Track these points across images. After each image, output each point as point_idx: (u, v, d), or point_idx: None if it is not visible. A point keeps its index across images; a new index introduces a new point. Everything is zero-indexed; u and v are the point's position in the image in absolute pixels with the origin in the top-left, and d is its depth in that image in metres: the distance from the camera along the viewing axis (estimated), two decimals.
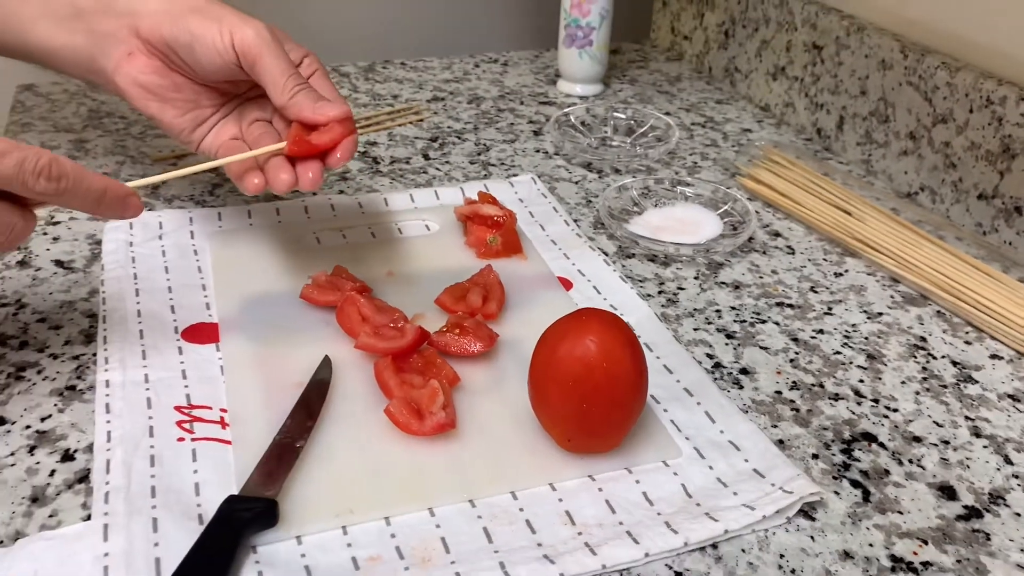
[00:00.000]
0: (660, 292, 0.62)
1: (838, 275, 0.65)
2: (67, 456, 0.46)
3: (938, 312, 0.62)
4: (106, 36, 0.56)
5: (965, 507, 0.46)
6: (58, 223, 0.66)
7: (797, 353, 0.57)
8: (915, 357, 0.57)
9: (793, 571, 0.42)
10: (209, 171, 0.75)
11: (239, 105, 0.60)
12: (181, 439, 0.47)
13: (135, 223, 0.65)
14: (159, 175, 0.52)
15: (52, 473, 0.45)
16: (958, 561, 0.43)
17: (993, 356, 0.57)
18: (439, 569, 0.40)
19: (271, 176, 0.53)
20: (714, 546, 0.43)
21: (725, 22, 0.98)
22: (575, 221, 0.70)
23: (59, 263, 0.62)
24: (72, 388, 0.51)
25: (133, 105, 0.58)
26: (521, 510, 0.44)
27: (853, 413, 0.52)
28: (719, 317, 0.60)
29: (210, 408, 0.49)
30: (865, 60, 0.79)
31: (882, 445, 0.50)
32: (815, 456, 0.49)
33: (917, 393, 0.54)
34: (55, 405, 0.49)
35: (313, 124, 0.53)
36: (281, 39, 0.56)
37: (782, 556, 0.43)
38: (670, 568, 0.42)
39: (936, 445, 0.50)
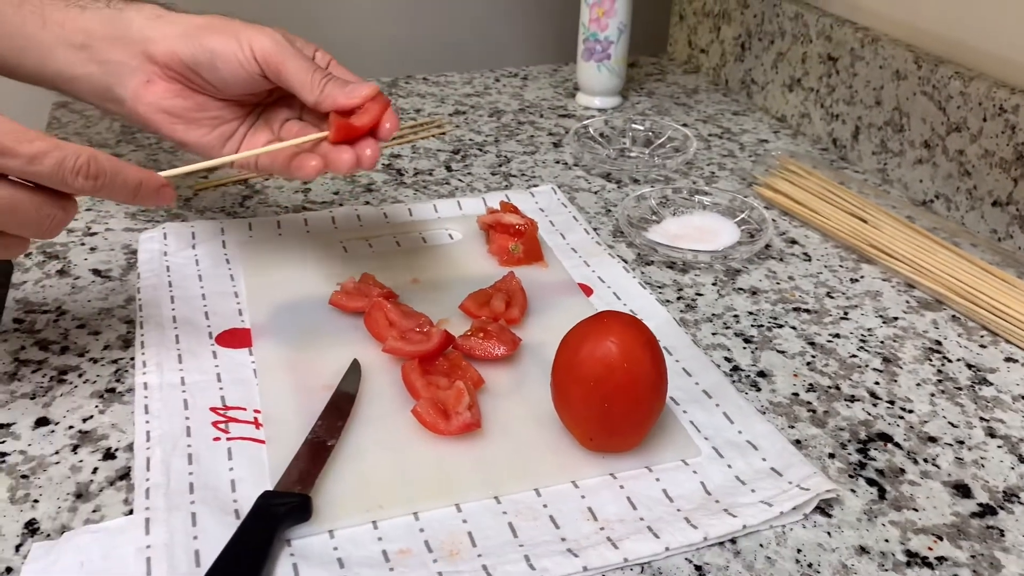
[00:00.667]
0: (679, 298, 0.64)
1: (854, 281, 0.66)
2: (108, 455, 0.48)
3: (953, 317, 0.63)
4: (119, 65, 0.56)
5: (980, 504, 0.47)
6: (95, 234, 0.69)
7: (814, 356, 0.58)
8: (930, 360, 0.58)
9: (810, 565, 0.43)
10: (240, 181, 0.77)
11: (263, 112, 0.61)
12: (217, 439, 0.49)
13: (169, 233, 0.67)
14: (192, 164, 0.54)
15: (95, 471, 0.47)
16: (972, 556, 0.44)
17: (1008, 359, 0.58)
18: (466, 562, 0.42)
19: (332, 157, 0.54)
20: (733, 541, 0.44)
21: (741, 35, 1.00)
22: (595, 230, 0.72)
23: (96, 272, 0.64)
24: (112, 391, 0.53)
25: (159, 132, 0.58)
26: (545, 506, 0.45)
27: (869, 414, 0.53)
28: (737, 322, 0.61)
29: (244, 409, 0.51)
30: (880, 71, 0.80)
31: (897, 445, 0.51)
32: (831, 455, 0.50)
33: (932, 395, 0.55)
34: (96, 407, 0.51)
35: (350, 110, 0.55)
36: (291, 38, 0.57)
37: (799, 551, 0.44)
38: (690, 562, 0.43)
39: (951, 445, 0.51)
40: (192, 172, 0.55)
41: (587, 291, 0.64)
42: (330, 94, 0.54)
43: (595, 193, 0.79)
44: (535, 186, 0.78)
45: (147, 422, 0.49)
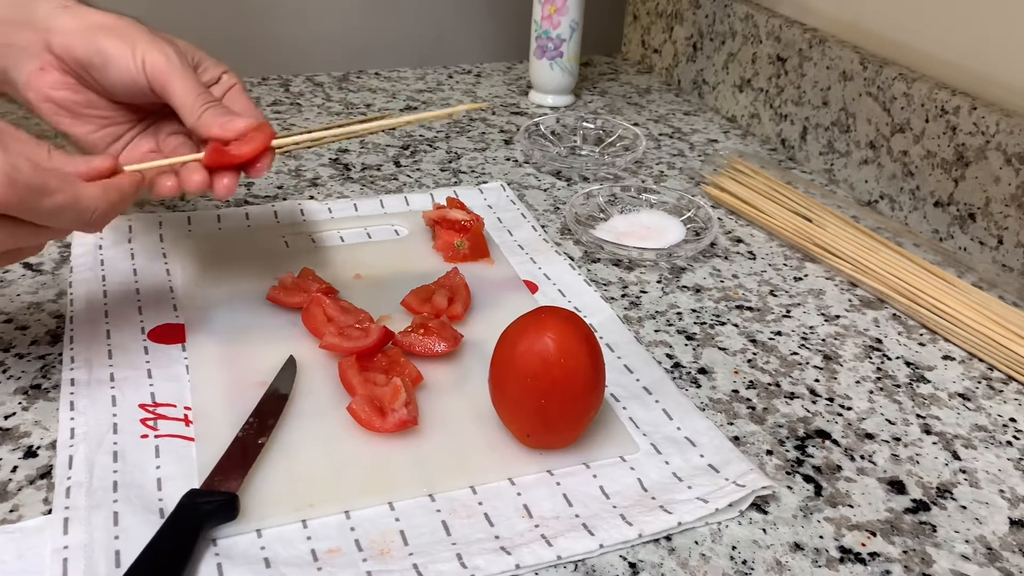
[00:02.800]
0: (623, 295, 0.63)
1: (797, 279, 0.67)
2: (30, 453, 0.46)
3: (894, 315, 0.63)
4: (20, 50, 0.54)
5: (913, 501, 0.47)
6: None
7: (755, 354, 0.58)
8: (870, 358, 0.58)
9: (744, 562, 0.43)
10: None
11: (155, 122, 0.59)
12: (144, 436, 0.47)
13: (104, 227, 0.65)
14: None
15: (14, 469, 0.45)
16: (904, 552, 0.44)
17: (946, 357, 0.59)
18: (397, 561, 0.41)
19: (184, 177, 0.52)
20: (668, 538, 0.44)
21: (693, 35, 1.00)
22: (543, 227, 0.71)
23: (27, 265, 0.62)
24: (37, 387, 0.51)
25: (45, 120, 0.56)
26: (480, 504, 0.45)
27: (808, 411, 0.53)
28: (680, 319, 0.61)
29: (174, 406, 0.50)
30: (827, 72, 0.81)
31: (835, 442, 0.51)
32: (769, 452, 0.50)
33: (871, 392, 0.55)
34: (19, 403, 0.50)
35: (224, 140, 0.53)
36: (199, 58, 0.56)
37: (734, 548, 0.44)
38: (624, 559, 0.43)
39: (888, 442, 0.51)
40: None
41: (532, 288, 0.63)
42: (206, 121, 0.53)
43: (544, 191, 0.78)
44: (484, 183, 0.78)
45: (72, 419, 0.48)
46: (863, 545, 0.44)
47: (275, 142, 0.52)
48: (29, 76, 0.54)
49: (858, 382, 0.56)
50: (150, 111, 0.58)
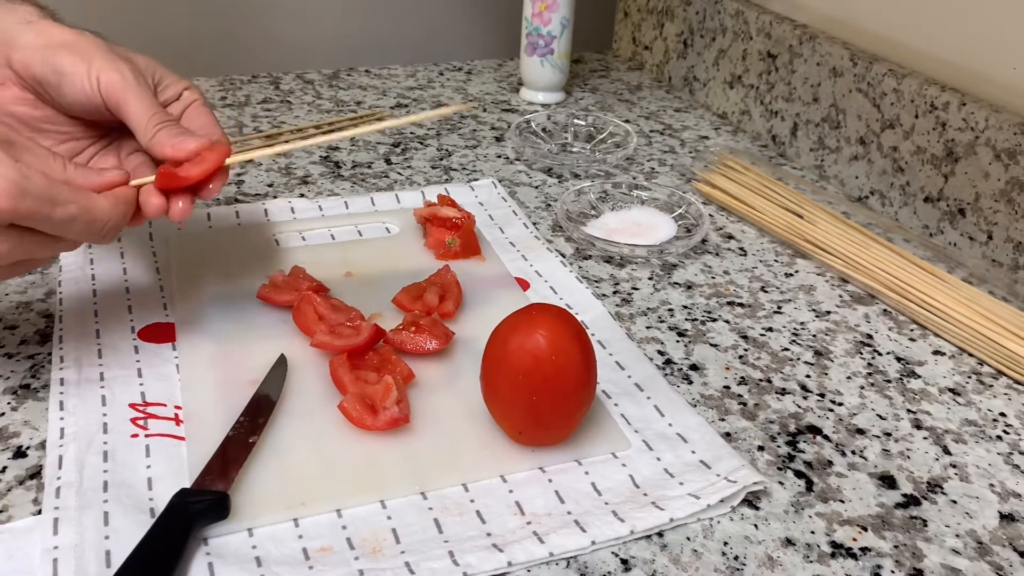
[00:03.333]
0: (615, 292, 0.63)
1: (788, 275, 0.67)
2: (19, 453, 0.46)
3: (884, 311, 0.63)
4: None
5: (904, 495, 0.47)
6: None
7: (746, 350, 0.58)
8: (861, 353, 0.59)
9: (736, 557, 0.43)
10: None
11: (116, 139, 0.58)
12: (135, 435, 0.47)
13: None
14: None
15: (3, 470, 0.45)
16: (895, 547, 0.44)
17: (936, 352, 0.59)
18: (389, 559, 0.41)
19: (142, 200, 0.51)
20: (660, 534, 0.44)
21: (684, 32, 1.00)
22: (534, 224, 0.71)
23: None
24: (26, 387, 0.51)
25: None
26: (472, 501, 0.45)
27: (799, 407, 0.53)
28: (671, 316, 0.61)
29: (164, 405, 0.49)
30: (817, 68, 0.81)
31: (826, 437, 0.51)
32: (761, 448, 0.50)
33: (862, 388, 0.55)
34: (8, 403, 0.49)
35: (176, 161, 0.52)
36: (160, 75, 0.55)
37: (726, 543, 0.44)
38: (616, 555, 0.43)
39: (878, 437, 0.51)
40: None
41: (524, 285, 0.63)
42: (159, 141, 0.52)
43: (535, 187, 0.78)
44: (476, 180, 0.78)
45: (61, 419, 0.48)
46: (854, 540, 0.44)
47: (232, 159, 0.50)
48: None
49: (849, 378, 0.56)
50: (111, 127, 0.57)
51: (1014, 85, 0.67)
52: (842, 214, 0.73)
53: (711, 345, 0.58)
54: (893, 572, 0.43)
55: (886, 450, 0.50)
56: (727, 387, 0.54)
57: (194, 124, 0.54)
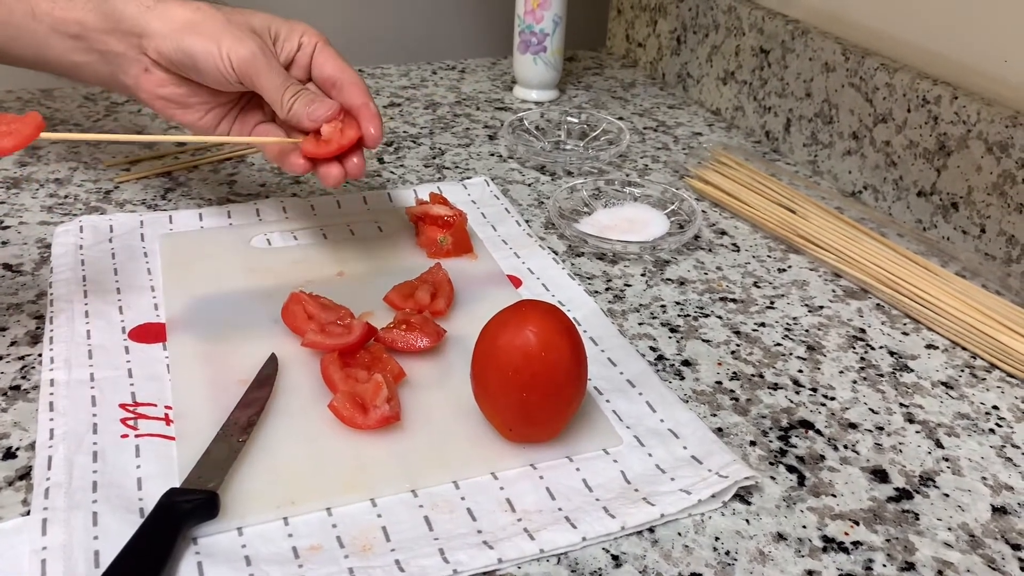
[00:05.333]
0: (607, 289, 0.63)
1: (781, 271, 0.67)
2: (9, 454, 0.46)
3: (877, 305, 0.63)
4: (119, 56, 0.59)
5: (896, 489, 0.47)
6: (7, 227, 0.66)
7: (739, 345, 0.58)
8: (853, 348, 0.58)
9: (727, 553, 0.43)
10: (162, 174, 0.76)
11: (258, 95, 0.61)
12: (125, 436, 0.47)
13: (85, 227, 0.65)
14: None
15: None
16: (887, 540, 0.44)
17: (929, 346, 0.59)
18: (379, 556, 0.41)
19: (321, 172, 0.57)
20: (651, 530, 0.44)
21: (677, 28, 1.00)
22: (527, 221, 0.71)
23: (7, 266, 0.62)
24: (16, 388, 0.51)
25: (158, 113, 0.62)
26: (463, 499, 0.45)
27: (791, 402, 0.53)
28: (664, 312, 0.61)
29: (155, 405, 0.49)
30: (809, 63, 0.81)
31: (818, 432, 0.51)
32: (753, 443, 0.50)
33: (854, 382, 0.55)
34: None
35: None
36: (275, 29, 0.60)
37: (717, 539, 0.43)
38: (607, 552, 0.42)
39: (871, 431, 0.51)
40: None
41: (516, 282, 0.63)
42: (296, 113, 0.57)
43: (528, 185, 0.78)
44: (468, 178, 0.78)
45: (51, 419, 0.47)
46: (846, 534, 0.44)
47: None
48: (137, 79, 0.60)
49: (841, 372, 0.56)
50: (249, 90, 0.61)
51: (1005, 78, 0.67)
52: (835, 209, 0.73)
53: (703, 341, 0.58)
54: (885, 566, 0.42)
55: (878, 444, 0.50)
56: (719, 383, 0.54)
57: (324, 72, 0.59)
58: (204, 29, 0.56)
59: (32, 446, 0.46)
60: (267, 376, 0.51)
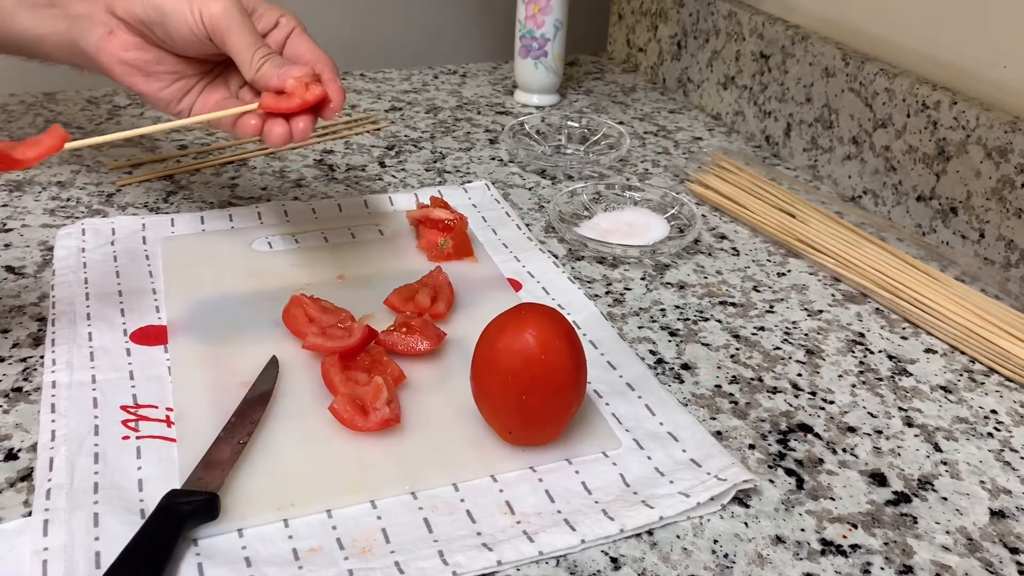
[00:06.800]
0: (607, 292, 0.64)
1: (781, 275, 0.67)
2: (11, 455, 0.46)
3: (877, 309, 0.63)
4: (83, 18, 0.57)
5: (895, 493, 0.47)
6: (10, 230, 0.66)
7: (738, 349, 0.58)
8: (852, 352, 0.59)
9: (726, 555, 0.43)
10: (165, 176, 0.76)
11: (223, 71, 0.60)
12: (126, 437, 0.47)
13: (87, 230, 0.65)
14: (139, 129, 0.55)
15: None
16: (885, 544, 0.44)
17: (928, 350, 0.59)
18: (378, 558, 0.41)
19: (267, 129, 0.55)
20: (650, 532, 0.44)
21: (677, 33, 1.00)
22: (527, 225, 0.71)
23: (10, 269, 0.62)
24: (18, 390, 0.51)
25: (119, 82, 0.59)
26: (462, 501, 0.45)
27: (790, 405, 0.53)
28: (663, 315, 0.61)
29: (156, 407, 0.49)
30: (809, 68, 0.81)
31: (817, 435, 0.51)
32: (752, 446, 0.50)
33: (853, 386, 0.55)
34: (0, 407, 0.49)
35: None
36: (253, 4, 0.58)
37: (716, 541, 0.44)
38: (606, 554, 0.43)
39: (870, 435, 0.51)
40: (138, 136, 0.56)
41: (516, 286, 0.63)
42: (265, 74, 0.55)
43: (529, 189, 0.78)
44: (469, 182, 0.78)
45: (53, 421, 0.48)
46: (844, 537, 0.44)
47: (69, 144, 0.51)
48: (99, 42, 0.57)
49: (840, 376, 0.56)
50: (217, 62, 0.60)
51: (1004, 83, 0.67)
52: (835, 214, 0.73)
53: (703, 344, 0.58)
54: (883, 569, 0.43)
55: (877, 448, 0.50)
56: (718, 386, 0.54)
57: (297, 52, 0.57)
58: None
59: (34, 447, 0.47)
60: (268, 378, 0.51)
